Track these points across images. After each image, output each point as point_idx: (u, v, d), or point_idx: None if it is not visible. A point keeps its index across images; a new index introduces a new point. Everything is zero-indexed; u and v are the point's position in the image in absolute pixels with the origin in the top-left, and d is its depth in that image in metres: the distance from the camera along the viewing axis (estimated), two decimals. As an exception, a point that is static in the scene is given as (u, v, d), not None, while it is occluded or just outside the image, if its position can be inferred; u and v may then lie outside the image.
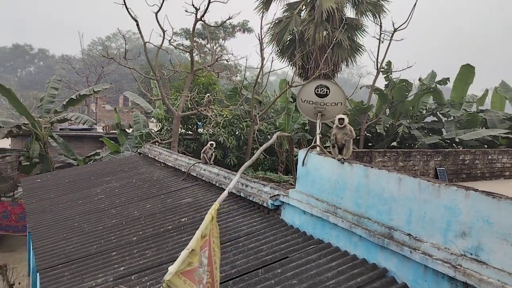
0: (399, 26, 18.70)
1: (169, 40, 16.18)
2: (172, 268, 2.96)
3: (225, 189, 4.28)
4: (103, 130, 26.44)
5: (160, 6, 14.02)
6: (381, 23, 19.30)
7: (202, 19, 15.05)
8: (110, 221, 7.43)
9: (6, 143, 24.30)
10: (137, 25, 14.05)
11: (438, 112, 22.92)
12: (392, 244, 4.39)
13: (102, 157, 18.24)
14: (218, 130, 17.02)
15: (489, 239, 3.64)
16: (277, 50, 20.07)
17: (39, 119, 18.61)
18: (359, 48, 19.91)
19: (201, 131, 18.12)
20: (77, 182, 10.75)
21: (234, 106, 17.27)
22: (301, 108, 7.57)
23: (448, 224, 3.98)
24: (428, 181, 4.24)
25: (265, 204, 6.57)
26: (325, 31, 18.70)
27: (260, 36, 16.81)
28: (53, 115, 19.00)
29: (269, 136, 17.93)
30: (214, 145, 9.67)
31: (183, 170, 9.98)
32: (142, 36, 14.51)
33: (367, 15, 19.46)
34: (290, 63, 19.91)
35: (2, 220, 16.76)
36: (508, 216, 3.54)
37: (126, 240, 6.44)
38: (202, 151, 9.58)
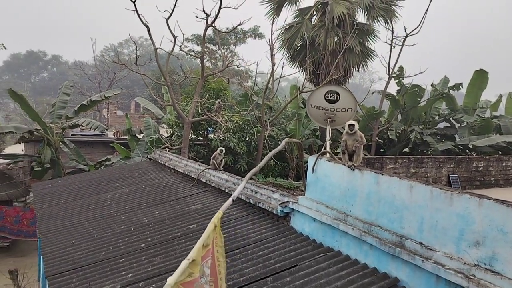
0: (411, 31, 18.63)
1: (180, 46, 16.30)
2: (171, 280, 2.85)
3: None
4: (114, 135, 26.62)
5: (171, 12, 14.10)
6: (392, 28, 19.26)
7: (213, 25, 15.12)
8: (119, 227, 7.41)
9: (19, 149, 24.62)
10: (148, 31, 14.18)
11: (451, 118, 22.66)
12: (404, 253, 4.30)
13: (113, 162, 18.31)
14: (229, 136, 17.02)
15: (503, 249, 3.55)
16: (288, 56, 19.98)
17: (50, 124, 18.78)
18: (371, 54, 19.77)
19: (212, 136, 18.13)
20: (87, 188, 10.79)
21: (244, 112, 17.28)
22: (311, 114, 7.52)
23: (461, 233, 3.89)
24: (440, 188, 4.16)
25: (274, 211, 6.50)
26: (336, 37, 18.60)
27: (271, 41, 16.85)
28: (64, 120, 19.17)
29: (279, 142, 17.84)
30: (224, 151, 9.64)
31: (192, 176, 9.95)
32: (153, 42, 14.64)
33: (378, 20, 19.32)
34: (301, 68, 19.84)
35: (14, 225, 16.91)
36: (523, 225, 3.44)
37: (135, 246, 6.41)
38: (211, 157, 9.56)
